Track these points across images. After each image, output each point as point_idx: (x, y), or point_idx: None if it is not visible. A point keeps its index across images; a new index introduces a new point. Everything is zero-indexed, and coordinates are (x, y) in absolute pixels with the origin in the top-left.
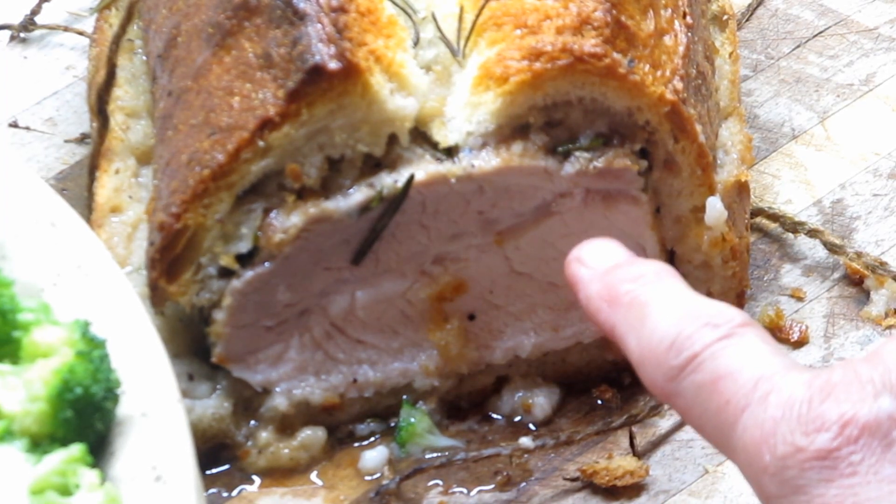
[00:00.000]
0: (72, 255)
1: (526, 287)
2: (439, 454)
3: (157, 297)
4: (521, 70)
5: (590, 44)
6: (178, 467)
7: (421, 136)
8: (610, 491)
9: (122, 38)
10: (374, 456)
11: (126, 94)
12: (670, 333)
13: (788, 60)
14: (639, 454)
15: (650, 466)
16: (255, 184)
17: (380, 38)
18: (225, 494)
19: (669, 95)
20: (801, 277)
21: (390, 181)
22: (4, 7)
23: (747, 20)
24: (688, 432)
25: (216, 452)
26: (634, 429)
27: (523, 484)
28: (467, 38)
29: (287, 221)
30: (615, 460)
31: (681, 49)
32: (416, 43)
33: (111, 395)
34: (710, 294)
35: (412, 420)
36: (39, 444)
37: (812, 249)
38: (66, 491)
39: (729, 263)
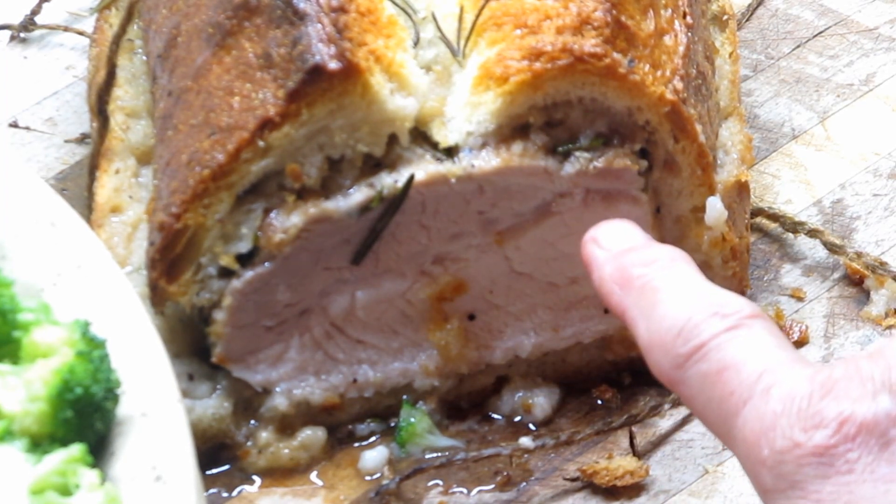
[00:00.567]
0: (72, 255)
1: (526, 287)
2: (439, 454)
3: (157, 297)
4: (521, 70)
5: (590, 44)
6: (178, 467)
7: (421, 136)
8: (610, 491)
9: (123, 38)
10: (374, 456)
11: (126, 94)
12: (679, 321)
13: (788, 60)
14: (639, 454)
15: (650, 466)
16: (255, 184)
17: (380, 38)
18: (225, 494)
19: (669, 95)
20: (801, 277)
21: (390, 181)
22: (4, 7)
23: (747, 20)
24: (688, 432)
25: (216, 452)
26: (634, 429)
27: (523, 484)
28: (467, 38)
29: (287, 221)
30: (615, 460)
31: (681, 49)
32: (416, 43)
33: (111, 395)
34: None
35: (412, 420)
36: (39, 444)
37: (812, 249)
38: (66, 491)
39: (729, 263)
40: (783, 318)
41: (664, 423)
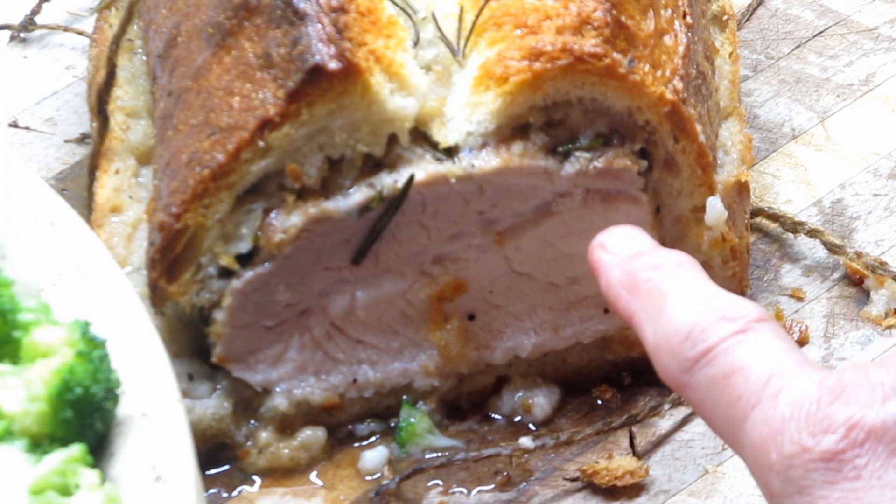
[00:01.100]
0: (72, 255)
1: (526, 287)
2: (439, 454)
3: (157, 297)
4: (521, 70)
5: (590, 44)
6: (177, 467)
7: (421, 136)
8: (610, 491)
9: (122, 38)
10: (374, 456)
11: (126, 94)
12: (686, 325)
13: (788, 60)
14: (639, 454)
15: (650, 466)
16: (255, 184)
17: (380, 38)
18: (225, 494)
19: (669, 95)
20: (801, 277)
21: (390, 181)
22: (4, 7)
23: (747, 20)
24: (687, 432)
25: (216, 452)
26: (634, 429)
27: (523, 484)
28: (467, 38)
29: (287, 221)
30: (615, 460)
31: (681, 49)
32: (416, 43)
33: (111, 395)
34: None
35: (412, 420)
36: (39, 444)
37: (812, 249)
38: (65, 491)
39: (729, 263)
40: (783, 318)
41: (664, 423)
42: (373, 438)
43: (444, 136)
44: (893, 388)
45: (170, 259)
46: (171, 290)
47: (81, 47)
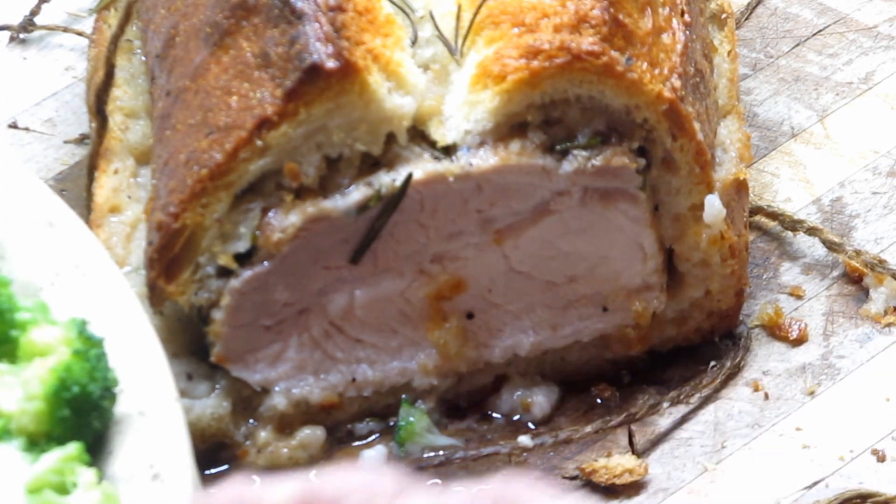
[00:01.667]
0: (70, 254)
1: (525, 286)
2: (438, 453)
3: (155, 297)
4: (519, 68)
5: (587, 42)
6: (175, 466)
7: (419, 134)
8: (609, 489)
9: (121, 38)
10: (374, 455)
11: (125, 95)
12: None
13: (787, 59)
14: (638, 452)
15: (649, 464)
16: (253, 183)
17: (377, 37)
18: None
19: (667, 93)
20: (800, 275)
21: (388, 180)
22: (4, 7)
23: (746, 19)
24: (687, 430)
25: (215, 452)
26: (633, 427)
27: None
28: (465, 37)
29: (285, 221)
30: (614, 458)
31: (679, 47)
32: (414, 42)
33: (108, 393)
34: (708, 292)
35: (411, 419)
36: (36, 442)
37: (811, 247)
38: (63, 490)
39: (728, 261)
40: (782, 316)
41: (663, 421)
42: (372, 437)
43: (443, 134)
44: None
45: (168, 259)
46: (170, 289)
47: (81, 48)
